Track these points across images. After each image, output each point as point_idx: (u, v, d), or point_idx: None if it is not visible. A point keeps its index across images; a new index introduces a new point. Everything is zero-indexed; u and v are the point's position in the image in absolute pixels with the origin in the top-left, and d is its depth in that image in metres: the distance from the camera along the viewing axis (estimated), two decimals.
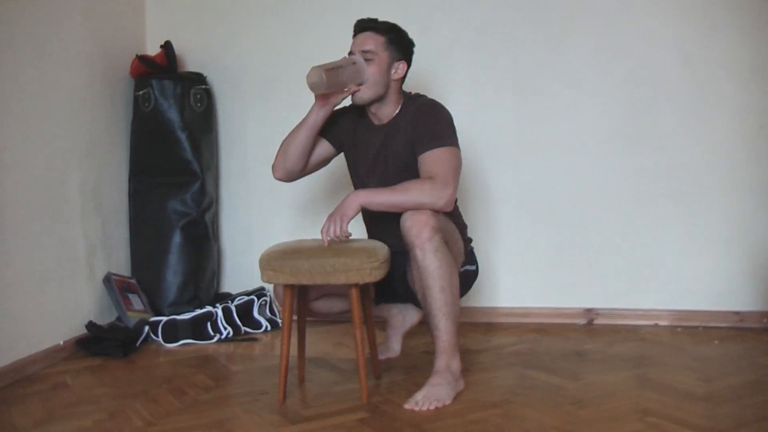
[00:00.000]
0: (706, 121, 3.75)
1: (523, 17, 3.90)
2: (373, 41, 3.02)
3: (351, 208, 2.84)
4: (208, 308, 3.87)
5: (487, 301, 3.96)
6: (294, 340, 3.06)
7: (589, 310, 3.89)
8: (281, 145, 3.17)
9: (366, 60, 2.99)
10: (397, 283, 3.13)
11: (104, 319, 3.77)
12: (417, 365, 3.27)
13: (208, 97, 4.05)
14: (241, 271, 4.25)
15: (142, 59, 3.95)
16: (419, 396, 2.78)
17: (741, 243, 3.75)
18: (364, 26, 3.06)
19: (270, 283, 2.84)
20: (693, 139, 3.77)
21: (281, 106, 4.13)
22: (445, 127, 2.99)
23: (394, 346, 3.43)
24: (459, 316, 2.87)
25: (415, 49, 3.80)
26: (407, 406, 2.76)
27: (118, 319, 3.77)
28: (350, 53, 3.05)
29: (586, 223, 3.90)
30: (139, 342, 3.64)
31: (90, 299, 3.73)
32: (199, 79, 4.03)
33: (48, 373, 3.30)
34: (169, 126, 3.90)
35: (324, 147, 3.22)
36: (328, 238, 2.80)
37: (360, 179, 3.18)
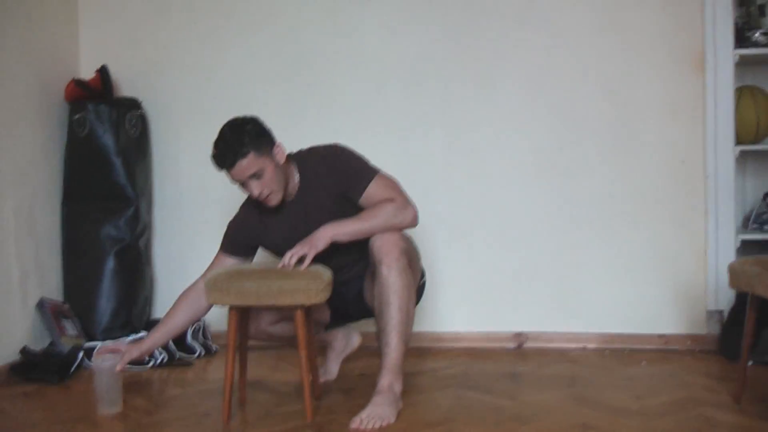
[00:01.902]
0: (631, 154, 3.91)
1: (454, 53, 4.02)
2: (247, 164, 2.92)
3: (322, 241, 2.91)
4: (143, 333, 3.83)
5: (418, 326, 3.98)
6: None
7: (518, 334, 3.98)
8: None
9: (257, 178, 2.95)
10: (352, 306, 3.22)
11: (38, 345, 3.71)
12: (355, 387, 3.32)
13: (143, 123, 4.06)
14: (173, 297, 4.18)
15: (79, 83, 3.94)
16: (363, 415, 2.81)
17: (665, 270, 3.91)
18: (229, 163, 2.94)
19: (216, 304, 2.86)
20: (618, 171, 3.92)
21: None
22: (361, 163, 3.08)
23: (332, 369, 3.46)
24: (410, 340, 2.96)
25: (350, 79, 3.99)
26: (353, 425, 2.78)
27: (52, 344, 3.71)
28: (239, 182, 3.00)
29: (515, 249, 4.01)
30: (73, 368, 3.58)
31: (23, 324, 3.68)
32: (134, 104, 4.04)
33: None
34: (104, 151, 3.89)
35: (233, 264, 3.17)
36: (290, 265, 2.87)
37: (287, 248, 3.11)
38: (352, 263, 3.15)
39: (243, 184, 2.97)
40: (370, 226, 2.93)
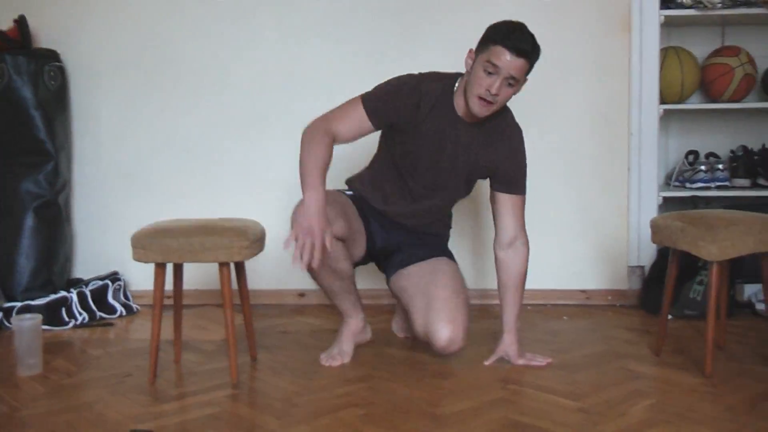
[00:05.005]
0: (555, 112, 3.93)
1: (380, 8, 3.96)
2: (522, 67, 2.73)
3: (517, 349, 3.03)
4: (63, 293, 3.76)
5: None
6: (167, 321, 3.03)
7: None
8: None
9: (509, 83, 2.75)
10: (387, 250, 3.18)
11: None
12: (278, 345, 3.32)
13: (62, 75, 3.93)
14: (93, 255, 4.14)
15: None
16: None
17: (587, 226, 3.96)
18: (521, 51, 2.71)
19: (140, 261, 2.81)
20: (543, 128, 3.92)
21: (136, 89, 4.06)
22: (525, 170, 3.03)
23: (346, 349, 3.12)
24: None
25: (275, 33, 4.00)
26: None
27: None
28: (490, 62, 2.71)
29: None
30: None
31: None
32: (53, 55, 3.91)
33: None
34: (23, 103, 3.76)
35: (367, 126, 2.89)
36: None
37: (416, 159, 2.98)
38: (429, 226, 3.20)
39: (491, 73, 2.72)
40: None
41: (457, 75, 2.93)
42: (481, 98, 2.75)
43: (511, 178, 2.98)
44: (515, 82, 2.75)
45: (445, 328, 2.89)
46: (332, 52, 3.98)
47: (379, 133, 3.06)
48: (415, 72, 2.96)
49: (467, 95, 2.80)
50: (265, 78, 4.01)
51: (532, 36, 2.75)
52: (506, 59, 2.69)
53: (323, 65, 3.98)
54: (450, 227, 3.34)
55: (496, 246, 3.03)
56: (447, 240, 3.33)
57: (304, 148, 2.78)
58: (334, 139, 2.82)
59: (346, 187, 3.23)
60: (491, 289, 3.62)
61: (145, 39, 4.04)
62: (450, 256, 3.22)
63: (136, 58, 4.05)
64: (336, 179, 3.15)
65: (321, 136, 2.78)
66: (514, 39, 2.70)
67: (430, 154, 2.94)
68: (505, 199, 2.99)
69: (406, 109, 2.88)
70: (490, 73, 2.72)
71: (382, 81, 2.96)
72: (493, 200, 3.02)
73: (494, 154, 2.95)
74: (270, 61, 4.01)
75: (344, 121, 2.85)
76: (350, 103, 2.89)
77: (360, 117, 2.86)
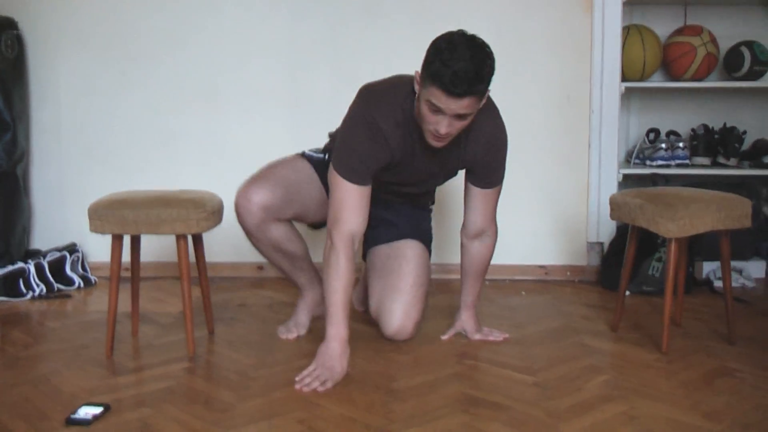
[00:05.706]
0: (517, 89, 3.91)
1: None
2: (470, 105, 2.45)
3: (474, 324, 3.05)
4: (20, 264, 3.72)
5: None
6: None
7: None
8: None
9: (459, 119, 2.49)
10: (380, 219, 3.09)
11: None
12: (236, 318, 3.32)
13: (19, 44, 3.87)
14: (51, 227, 4.11)
15: None
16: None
17: (547, 202, 3.98)
18: (463, 94, 2.41)
19: (97, 233, 2.77)
20: (504, 104, 3.90)
21: (95, 60, 4.01)
22: (503, 166, 2.89)
23: (302, 321, 3.12)
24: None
25: (234, 6, 3.91)
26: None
27: None
28: (432, 103, 2.45)
29: None
30: None
31: None
32: (10, 23, 3.84)
33: None
34: None
35: (366, 192, 2.69)
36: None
37: (395, 175, 2.85)
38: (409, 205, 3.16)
39: (434, 111, 2.48)
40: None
41: (411, 86, 2.68)
42: (432, 133, 2.56)
43: (488, 171, 2.84)
44: (466, 115, 2.50)
45: (396, 319, 2.92)
46: (291, 26, 3.95)
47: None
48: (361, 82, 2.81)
49: (421, 125, 2.60)
50: (222, 52, 3.98)
51: (477, 61, 2.42)
52: (447, 102, 2.43)
53: (281, 39, 3.95)
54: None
55: (463, 234, 2.98)
56: (429, 204, 3.29)
57: (327, 272, 2.64)
58: (355, 236, 2.67)
59: (328, 140, 3.15)
60: (451, 264, 3.65)
61: (103, 9, 3.98)
62: (424, 236, 3.16)
63: (94, 28, 4.00)
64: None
65: (343, 253, 2.63)
66: (452, 81, 2.38)
67: (407, 171, 2.82)
68: (478, 193, 2.88)
69: (382, 154, 2.69)
70: (435, 112, 2.48)
71: (339, 127, 2.82)
72: (466, 190, 2.91)
73: (472, 150, 2.77)
74: (227, 34, 3.98)
75: (348, 209, 2.66)
76: (336, 188, 2.67)
77: (354, 192, 2.66)
